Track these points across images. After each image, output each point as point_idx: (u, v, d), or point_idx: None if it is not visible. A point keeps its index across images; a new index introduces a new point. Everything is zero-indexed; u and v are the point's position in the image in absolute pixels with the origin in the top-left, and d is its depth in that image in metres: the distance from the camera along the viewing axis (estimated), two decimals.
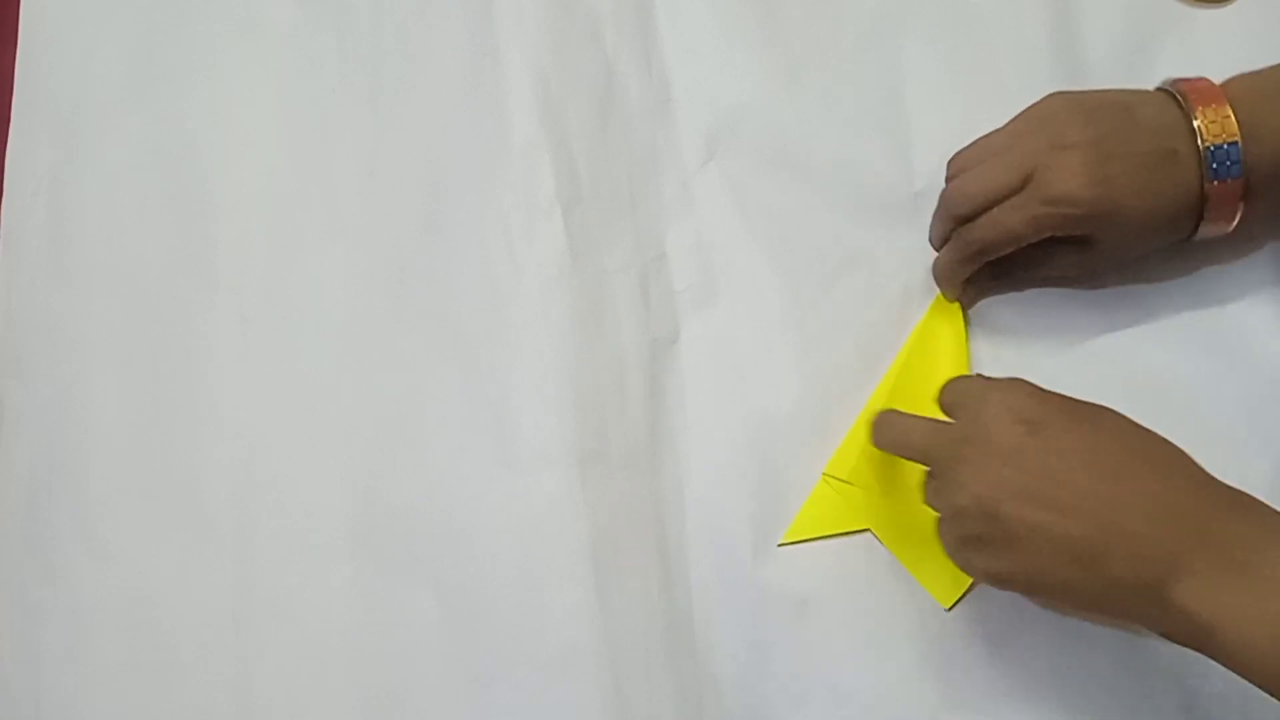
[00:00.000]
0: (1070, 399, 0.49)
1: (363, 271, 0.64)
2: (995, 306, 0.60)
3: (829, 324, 0.61)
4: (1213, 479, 0.46)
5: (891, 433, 0.53)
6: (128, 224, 0.66)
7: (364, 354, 0.62)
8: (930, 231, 0.61)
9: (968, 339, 0.59)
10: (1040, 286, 0.59)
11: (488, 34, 0.67)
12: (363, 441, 0.61)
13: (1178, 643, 0.44)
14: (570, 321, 0.61)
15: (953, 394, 0.51)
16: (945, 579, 0.55)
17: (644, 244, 0.63)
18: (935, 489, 0.50)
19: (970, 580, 0.55)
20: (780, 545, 0.57)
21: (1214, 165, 0.52)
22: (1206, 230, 0.55)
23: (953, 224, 0.58)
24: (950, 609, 0.55)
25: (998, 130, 0.57)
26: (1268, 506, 0.44)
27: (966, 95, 0.62)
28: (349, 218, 0.65)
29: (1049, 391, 0.49)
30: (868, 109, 0.64)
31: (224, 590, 0.59)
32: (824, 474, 0.58)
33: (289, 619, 0.58)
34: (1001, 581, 0.48)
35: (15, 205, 0.67)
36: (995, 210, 0.55)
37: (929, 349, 0.59)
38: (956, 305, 0.60)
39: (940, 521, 0.50)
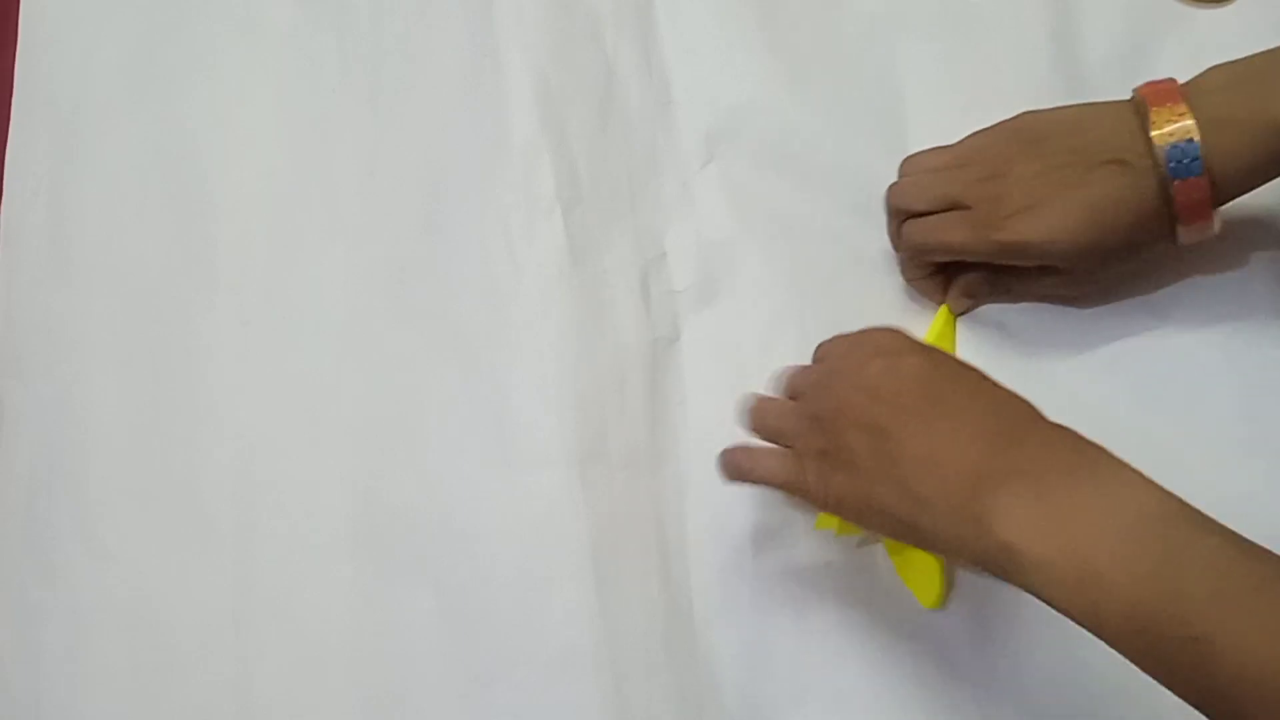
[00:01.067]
0: (928, 346, 0.51)
1: (363, 271, 0.64)
2: (991, 310, 0.60)
3: (829, 324, 0.60)
4: (1041, 418, 0.46)
5: (754, 415, 0.54)
6: (128, 224, 0.66)
7: (364, 354, 0.62)
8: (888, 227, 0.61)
9: (955, 347, 0.59)
10: (1034, 301, 0.59)
11: (488, 34, 0.67)
12: (363, 441, 0.61)
13: (993, 574, 0.44)
14: (570, 321, 0.61)
15: (828, 343, 0.53)
16: (925, 579, 0.55)
17: (644, 244, 0.63)
18: (797, 408, 0.52)
19: (943, 579, 0.55)
20: (817, 528, 0.57)
21: (1172, 164, 0.51)
22: (1188, 234, 0.53)
23: (897, 221, 0.59)
24: (936, 608, 0.55)
25: (951, 145, 0.58)
26: (1083, 438, 0.45)
27: (966, 95, 0.62)
28: (349, 218, 0.65)
29: (913, 338, 0.51)
30: (868, 109, 0.64)
31: (224, 590, 0.59)
32: None
33: (289, 619, 0.58)
34: (839, 502, 0.49)
35: (15, 205, 0.67)
36: (933, 218, 0.57)
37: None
38: (948, 316, 0.60)
39: (796, 437, 0.51)
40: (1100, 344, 0.58)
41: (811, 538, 0.57)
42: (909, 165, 0.60)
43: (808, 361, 0.60)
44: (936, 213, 0.57)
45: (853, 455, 0.48)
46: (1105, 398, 0.57)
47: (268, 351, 0.63)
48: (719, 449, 0.59)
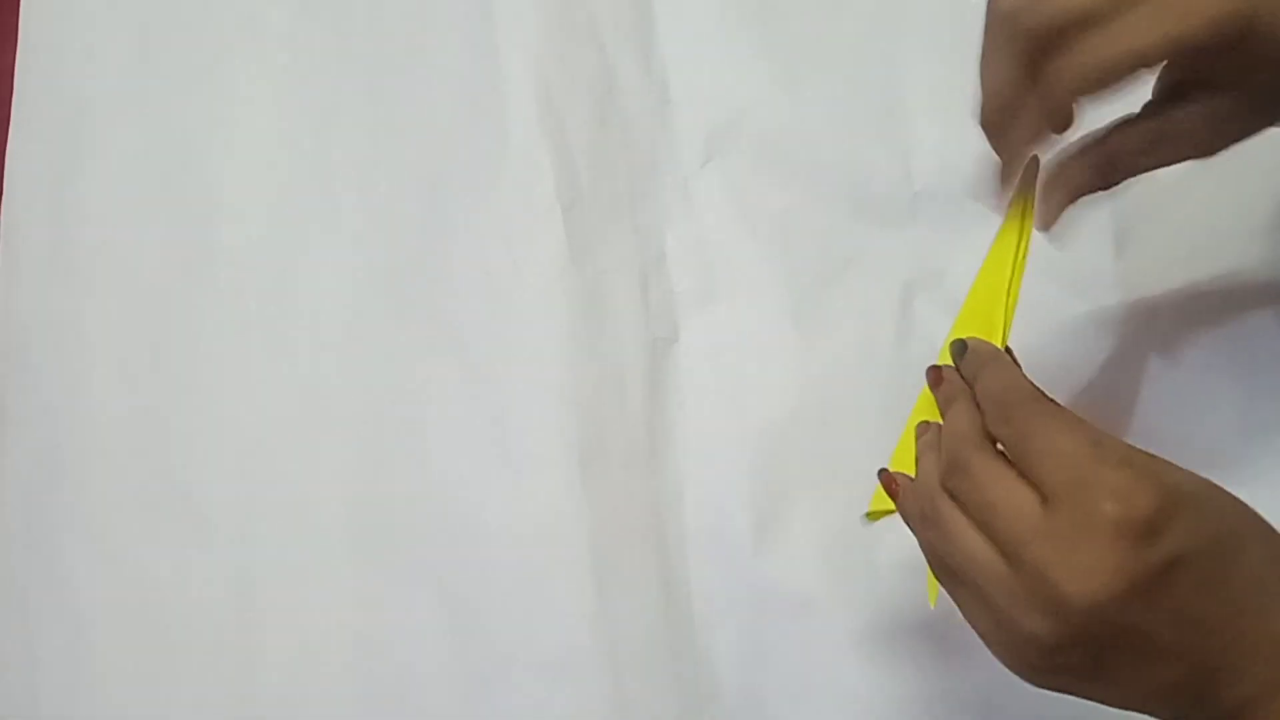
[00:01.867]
0: (1209, 511, 0.38)
1: (363, 272, 0.64)
2: None
3: (829, 324, 0.61)
4: None
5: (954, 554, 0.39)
6: (128, 224, 0.66)
7: (364, 354, 0.62)
8: (982, 112, 0.45)
9: (1022, 267, 0.47)
10: (1145, 171, 0.46)
11: (487, 34, 0.67)
12: (362, 442, 0.61)
13: None
14: (570, 322, 0.61)
15: (1061, 470, 0.37)
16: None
17: (644, 244, 0.63)
18: (1013, 588, 0.37)
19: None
20: (867, 515, 0.49)
21: None
22: None
23: (1024, 61, 0.42)
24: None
25: None
26: None
27: (966, 96, 0.62)
28: (349, 218, 0.65)
29: (1187, 501, 0.37)
30: (868, 109, 0.64)
31: (224, 590, 0.59)
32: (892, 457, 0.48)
33: (289, 619, 0.58)
34: (1073, 694, 0.40)
35: (15, 205, 0.67)
36: (1113, 27, 0.40)
37: (989, 280, 0.48)
38: (1022, 223, 0.47)
39: (1005, 618, 0.38)
40: (1099, 344, 0.58)
41: (812, 537, 0.57)
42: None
43: (806, 361, 0.60)
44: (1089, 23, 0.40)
45: (1108, 671, 0.38)
46: (1104, 398, 0.57)
47: (268, 352, 0.63)
48: (718, 449, 0.60)
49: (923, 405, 0.48)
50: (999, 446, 0.40)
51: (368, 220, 0.65)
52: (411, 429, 0.61)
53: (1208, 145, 0.44)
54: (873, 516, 0.49)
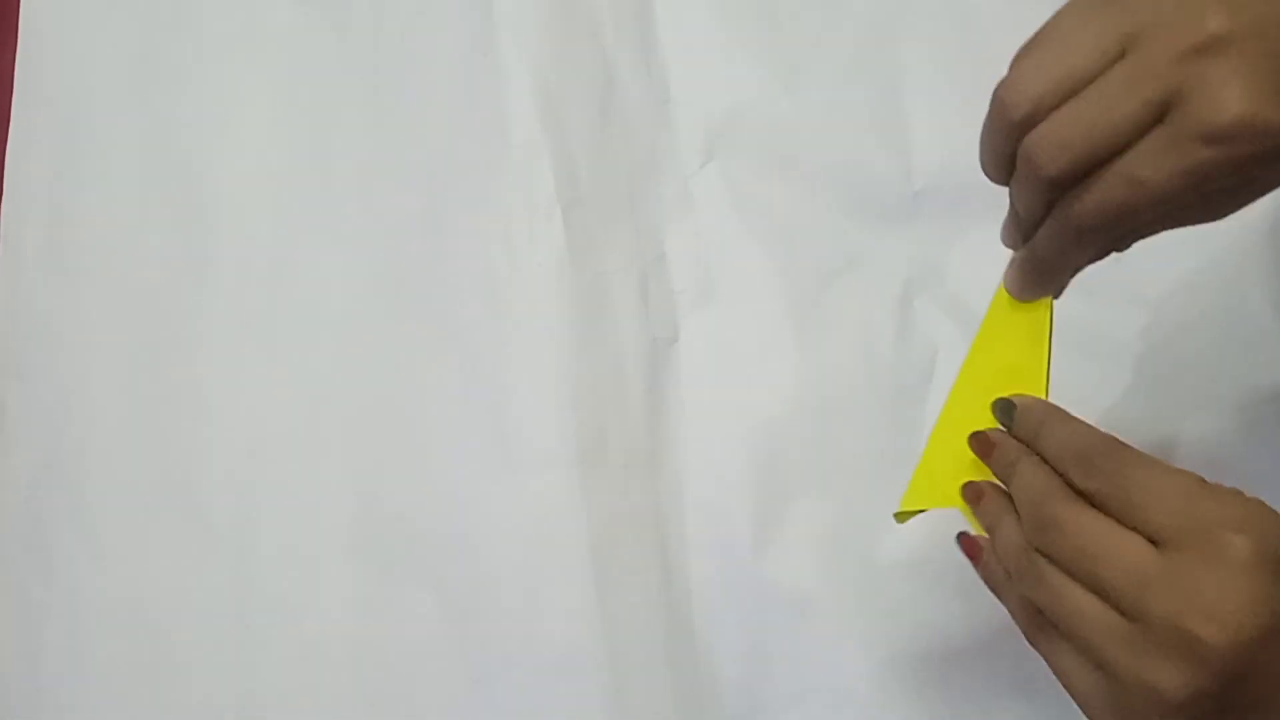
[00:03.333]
0: None
1: (362, 272, 0.64)
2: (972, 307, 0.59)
3: (829, 324, 0.61)
4: None
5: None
6: (128, 224, 0.66)
7: (363, 355, 0.62)
8: (1005, 233, 0.44)
9: (1050, 336, 0.46)
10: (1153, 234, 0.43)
11: (487, 34, 0.67)
12: (362, 442, 0.61)
13: None
14: (569, 322, 0.61)
15: (1175, 511, 0.35)
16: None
17: (643, 244, 0.63)
18: (1134, 641, 0.34)
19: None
20: (897, 516, 0.48)
21: None
22: None
23: (1048, 192, 0.39)
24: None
25: (1072, 27, 0.38)
26: None
27: (966, 95, 0.61)
28: (349, 218, 0.65)
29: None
30: (868, 109, 0.64)
31: (224, 591, 0.59)
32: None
33: (289, 621, 0.58)
34: None
35: (15, 205, 0.67)
36: (1124, 162, 0.37)
37: (1000, 349, 0.47)
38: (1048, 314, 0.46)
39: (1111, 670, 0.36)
40: (1098, 344, 0.58)
41: (812, 537, 0.57)
42: (1030, 87, 0.39)
43: (806, 361, 0.60)
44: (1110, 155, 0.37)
45: None
46: (1103, 397, 0.57)
47: (268, 352, 0.63)
48: (718, 449, 0.60)
49: (942, 428, 0.46)
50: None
51: (367, 220, 0.65)
52: (411, 429, 0.61)
53: (1223, 213, 0.42)
54: (901, 517, 0.47)
